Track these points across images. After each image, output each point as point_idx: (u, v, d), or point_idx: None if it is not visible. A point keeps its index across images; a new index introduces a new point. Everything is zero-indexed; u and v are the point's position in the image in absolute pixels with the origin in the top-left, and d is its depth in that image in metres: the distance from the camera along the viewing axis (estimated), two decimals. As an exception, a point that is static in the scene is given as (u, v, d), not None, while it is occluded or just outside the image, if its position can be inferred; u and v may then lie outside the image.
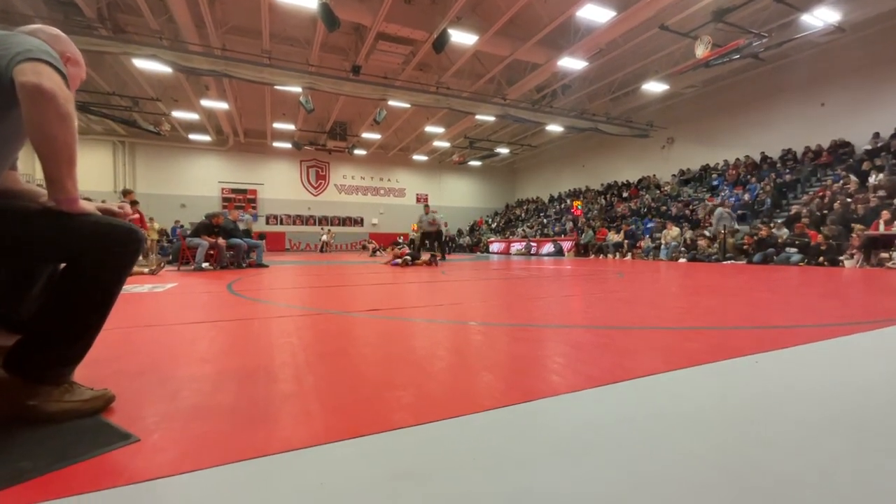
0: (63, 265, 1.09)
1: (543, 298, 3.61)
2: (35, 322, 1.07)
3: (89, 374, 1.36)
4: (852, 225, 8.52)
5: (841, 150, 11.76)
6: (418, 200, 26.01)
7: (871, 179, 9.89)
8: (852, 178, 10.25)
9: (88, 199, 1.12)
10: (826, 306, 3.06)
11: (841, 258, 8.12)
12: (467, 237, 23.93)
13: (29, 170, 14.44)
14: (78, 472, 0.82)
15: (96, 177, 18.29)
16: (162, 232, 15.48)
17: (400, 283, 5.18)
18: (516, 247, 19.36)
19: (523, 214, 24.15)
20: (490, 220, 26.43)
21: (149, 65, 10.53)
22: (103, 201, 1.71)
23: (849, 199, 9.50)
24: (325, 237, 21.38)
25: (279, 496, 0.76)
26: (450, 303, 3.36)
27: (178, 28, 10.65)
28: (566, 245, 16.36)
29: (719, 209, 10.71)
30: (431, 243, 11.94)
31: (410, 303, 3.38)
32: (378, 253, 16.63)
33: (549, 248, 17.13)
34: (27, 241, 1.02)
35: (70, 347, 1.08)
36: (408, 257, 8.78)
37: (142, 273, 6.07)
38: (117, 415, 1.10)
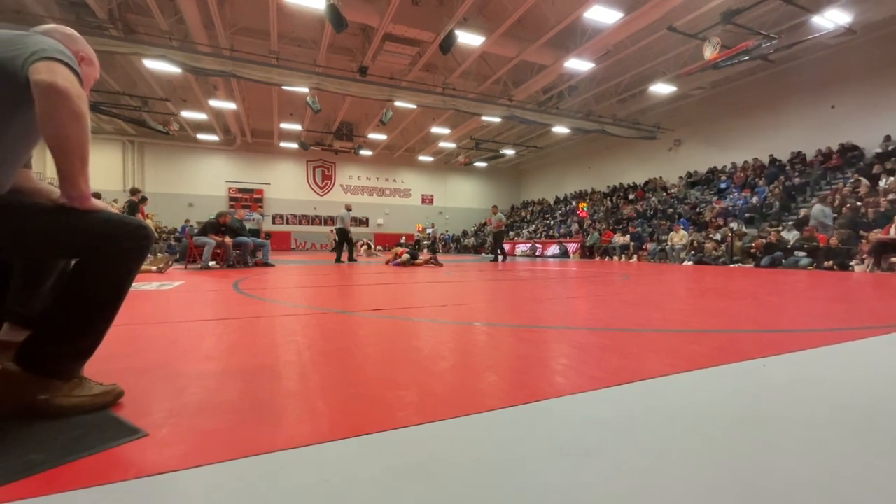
0: (74, 261, 1.11)
1: (548, 300, 3.60)
2: (46, 317, 1.09)
3: (98, 369, 1.38)
4: (862, 231, 8.40)
5: (850, 153, 11.63)
6: (423, 201, 26.06)
7: (882, 183, 9.76)
8: (864, 181, 10.12)
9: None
10: (835, 311, 3.03)
11: (851, 263, 8.02)
12: (472, 238, 23.92)
13: (40, 168, 14.65)
14: (88, 466, 0.83)
15: (106, 176, 18.50)
16: (171, 232, 15.59)
17: (405, 283, 5.19)
18: (521, 248, 19.34)
19: (528, 216, 24.11)
20: (495, 221, 26.37)
21: (158, 65, 10.65)
22: (115, 201, 1.73)
23: (859, 203, 9.38)
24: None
25: (285, 492, 0.76)
26: (454, 303, 3.36)
27: (188, 29, 10.76)
28: (571, 247, 16.31)
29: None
30: (498, 244, 12.07)
31: (415, 303, 3.38)
32: (374, 253, 16.62)
33: (554, 249, 17.08)
34: (40, 237, 1.04)
35: (81, 342, 1.10)
36: (407, 256, 8.85)
37: (149, 271, 6.13)
38: (126, 410, 1.11)
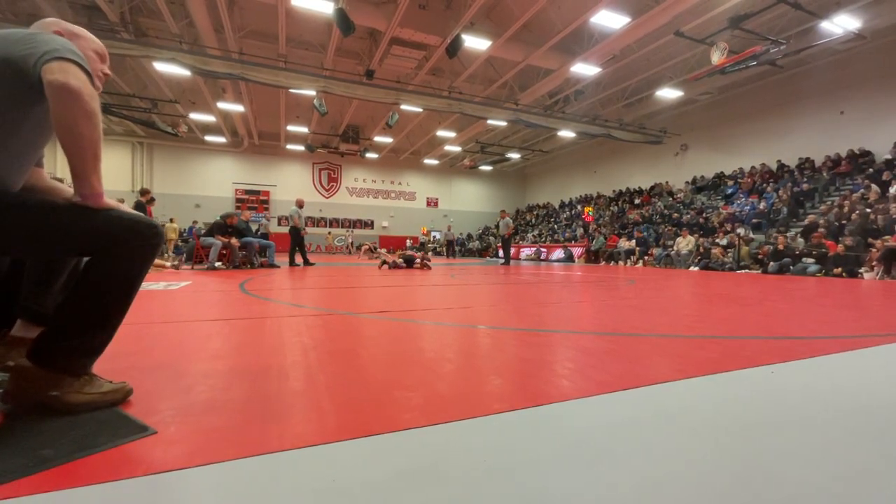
0: (86, 259, 1.12)
1: (553, 304, 3.58)
2: (58, 314, 1.10)
3: (108, 367, 1.39)
4: (871, 239, 8.31)
5: (862, 159, 11.52)
6: (428, 204, 26.11)
7: (892, 189, 9.67)
8: (874, 187, 10.03)
9: None
10: (845, 318, 2.99)
11: (860, 270, 7.93)
12: (476, 242, 23.91)
13: (50, 167, 14.86)
14: (98, 462, 0.84)
15: (115, 176, 18.74)
16: (179, 233, 15.86)
17: (410, 285, 5.19)
18: (526, 252, 19.31)
19: (533, 220, 24.08)
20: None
21: (168, 68, 10.78)
22: (121, 201, 1.76)
23: (868, 210, 9.29)
24: (350, 239, 22.11)
25: (292, 491, 0.76)
26: (459, 306, 3.36)
27: (198, 32, 10.90)
28: (576, 251, 16.27)
29: None
30: (506, 248, 12.13)
31: (419, 305, 3.38)
32: (377, 255, 16.68)
33: (559, 253, 17.04)
34: (53, 234, 1.06)
35: (92, 338, 1.11)
36: (399, 260, 8.79)
37: (164, 267, 6.36)
38: (134, 408, 1.12)
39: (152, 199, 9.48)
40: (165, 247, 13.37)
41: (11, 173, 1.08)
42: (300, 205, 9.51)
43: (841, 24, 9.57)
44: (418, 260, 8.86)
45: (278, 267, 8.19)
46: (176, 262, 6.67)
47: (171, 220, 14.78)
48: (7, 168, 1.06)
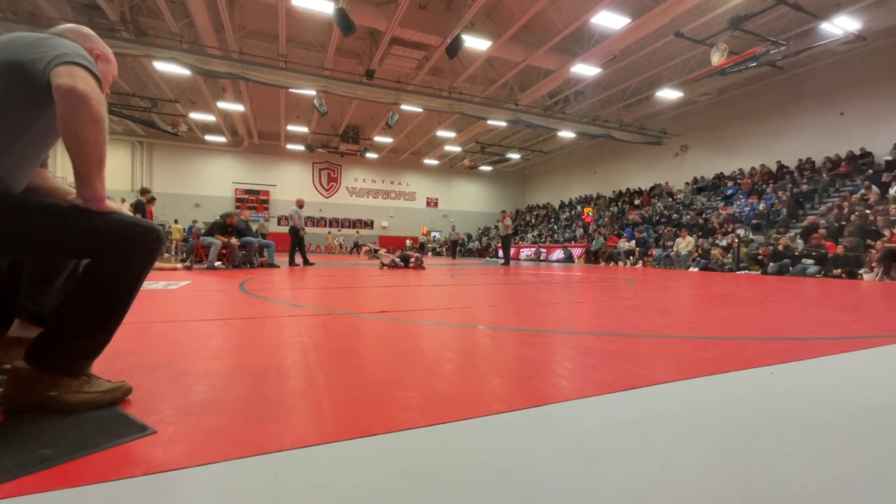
0: (86, 261, 1.12)
1: (553, 304, 3.58)
2: (57, 315, 1.10)
3: (106, 366, 1.39)
4: (870, 240, 8.32)
5: (860, 160, 11.54)
6: (428, 204, 26.12)
7: (892, 191, 9.68)
8: (874, 188, 10.04)
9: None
10: (844, 319, 2.99)
11: (860, 271, 7.94)
12: (476, 242, 23.91)
13: (49, 166, 14.86)
14: (98, 461, 0.84)
15: (115, 176, 18.76)
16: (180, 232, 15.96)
17: (409, 285, 5.19)
18: (526, 252, 19.31)
19: (533, 220, 24.08)
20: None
21: (168, 67, 10.78)
22: (122, 200, 1.76)
23: (868, 211, 9.30)
24: (342, 239, 22.34)
25: (291, 491, 0.76)
26: (459, 306, 3.36)
27: (198, 32, 10.90)
28: (576, 252, 16.28)
29: None
30: (506, 248, 12.10)
31: (419, 305, 3.38)
32: (377, 256, 16.74)
33: (558, 254, 17.05)
34: (54, 236, 1.06)
35: (90, 341, 1.11)
36: (397, 260, 8.84)
37: (175, 269, 6.62)
38: (133, 407, 1.12)
39: (152, 199, 9.48)
40: (169, 246, 13.44)
41: (16, 174, 1.08)
42: (300, 205, 9.49)
43: (841, 26, 9.58)
44: (413, 259, 8.98)
45: (278, 267, 8.19)
46: (189, 264, 6.98)
47: (176, 221, 14.92)
48: (13, 169, 1.07)
